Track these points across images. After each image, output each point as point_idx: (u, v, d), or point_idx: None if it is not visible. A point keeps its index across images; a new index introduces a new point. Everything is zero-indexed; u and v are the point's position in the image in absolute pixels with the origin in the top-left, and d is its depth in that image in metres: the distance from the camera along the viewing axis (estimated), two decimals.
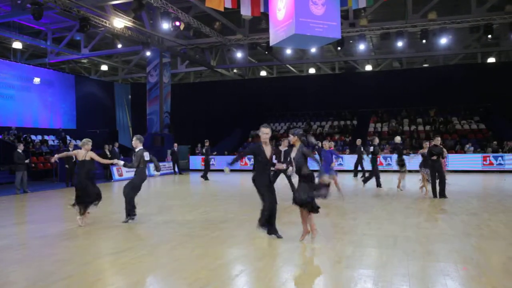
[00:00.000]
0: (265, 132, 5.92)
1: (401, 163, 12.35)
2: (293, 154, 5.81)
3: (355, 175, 17.01)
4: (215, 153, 20.23)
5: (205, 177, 17.48)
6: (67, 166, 15.57)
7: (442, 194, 10.43)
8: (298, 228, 6.99)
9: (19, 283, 4.50)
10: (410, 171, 13.48)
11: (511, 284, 4.17)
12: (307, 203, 5.68)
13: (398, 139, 13.06)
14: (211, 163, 23.78)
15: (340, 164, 19.12)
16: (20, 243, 6.42)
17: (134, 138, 7.97)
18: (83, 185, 7.52)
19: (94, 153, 7.78)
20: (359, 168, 16.63)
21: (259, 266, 4.94)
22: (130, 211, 7.78)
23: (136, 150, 7.82)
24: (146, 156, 7.83)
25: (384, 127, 25.51)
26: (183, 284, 4.31)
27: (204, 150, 17.81)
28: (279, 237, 6.06)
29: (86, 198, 7.52)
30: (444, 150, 10.87)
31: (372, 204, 9.72)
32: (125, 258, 5.32)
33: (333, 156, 10.59)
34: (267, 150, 5.95)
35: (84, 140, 7.78)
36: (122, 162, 8.10)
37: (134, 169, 7.86)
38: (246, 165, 20.95)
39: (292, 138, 5.88)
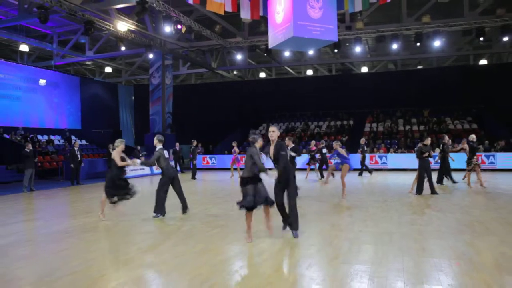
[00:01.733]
0: (271, 131, 6.06)
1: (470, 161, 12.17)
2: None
3: (360, 174, 17.08)
4: (199, 150, 20.51)
5: (192, 176, 17.31)
6: (72, 165, 15.56)
7: (433, 191, 10.63)
8: (299, 225, 7.00)
9: (26, 278, 4.50)
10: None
11: (502, 279, 4.17)
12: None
13: (473, 137, 12.52)
14: (211, 162, 23.89)
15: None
16: (27, 240, 6.41)
17: (155, 138, 8.17)
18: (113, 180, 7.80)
19: (117, 155, 7.89)
20: (363, 167, 17.12)
21: (258, 261, 4.94)
22: (159, 208, 7.98)
23: (156, 149, 8.03)
24: (166, 154, 8.23)
25: (380, 127, 25.52)
26: (184, 279, 4.31)
27: (190, 150, 17.79)
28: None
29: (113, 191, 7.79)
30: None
31: (368, 202, 9.72)
32: (128, 254, 5.32)
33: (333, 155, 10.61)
34: (271, 149, 6.06)
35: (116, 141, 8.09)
36: (139, 161, 8.21)
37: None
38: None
39: (260, 142, 6.04)
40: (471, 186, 12.22)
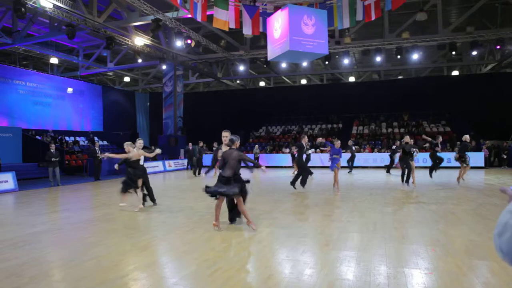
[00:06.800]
0: (224, 136, 6.27)
1: (463, 159, 11.55)
2: (234, 155, 5.83)
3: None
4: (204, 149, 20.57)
5: (195, 173, 17.31)
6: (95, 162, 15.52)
7: (407, 182, 10.71)
8: (294, 216, 6.99)
9: (55, 261, 4.50)
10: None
11: (472, 263, 4.16)
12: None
13: (466, 137, 11.72)
14: None
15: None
16: (56, 228, 6.41)
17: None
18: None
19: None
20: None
21: (259, 248, 4.93)
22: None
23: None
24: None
25: (365, 130, 25.50)
26: (193, 263, 4.31)
27: (197, 149, 17.82)
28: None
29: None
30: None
31: (354, 195, 9.70)
32: (144, 241, 5.32)
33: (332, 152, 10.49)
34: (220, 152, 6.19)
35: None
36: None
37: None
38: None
39: (237, 143, 6.01)
40: (462, 180, 11.67)
